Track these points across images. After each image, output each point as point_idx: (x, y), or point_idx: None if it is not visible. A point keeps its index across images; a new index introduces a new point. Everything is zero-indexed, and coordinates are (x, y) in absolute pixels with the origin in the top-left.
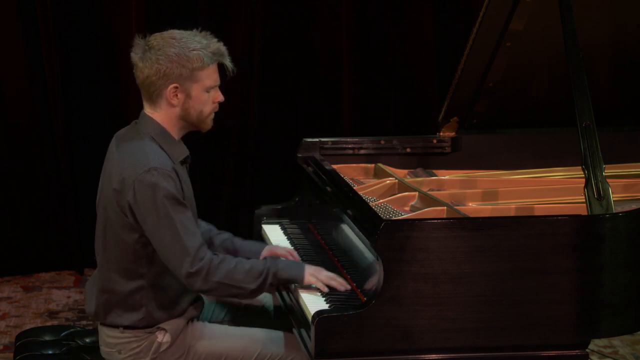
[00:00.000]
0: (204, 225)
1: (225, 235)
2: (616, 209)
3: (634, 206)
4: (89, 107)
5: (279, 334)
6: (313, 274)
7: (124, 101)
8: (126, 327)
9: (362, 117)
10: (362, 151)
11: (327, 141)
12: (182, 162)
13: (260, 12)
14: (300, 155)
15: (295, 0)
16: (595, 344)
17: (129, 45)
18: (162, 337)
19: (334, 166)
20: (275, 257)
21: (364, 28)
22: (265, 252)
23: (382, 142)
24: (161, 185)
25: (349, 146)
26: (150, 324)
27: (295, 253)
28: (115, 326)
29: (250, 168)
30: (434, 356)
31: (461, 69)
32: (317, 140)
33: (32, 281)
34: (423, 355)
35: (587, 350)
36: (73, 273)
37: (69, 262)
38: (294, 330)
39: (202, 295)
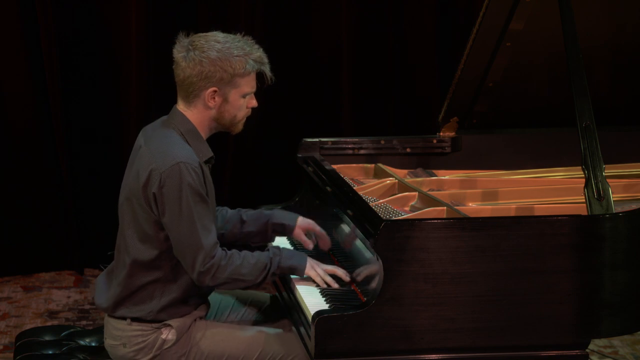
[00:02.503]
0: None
1: (232, 211)
2: (616, 209)
3: (634, 206)
4: (89, 107)
5: (280, 334)
6: (314, 266)
7: (124, 101)
8: (134, 319)
9: (362, 117)
10: (362, 151)
11: (327, 141)
12: (206, 162)
13: (260, 12)
14: (300, 155)
15: (295, 0)
16: (595, 344)
17: (129, 45)
18: (167, 334)
19: (334, 166)
20: (278, 247)
21: (364, 28)
22: (301, 222)
23: (382, 142)
24: (187, 180)
25: (349, 146)
26: (157, 319)
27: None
28: (123, 318)
29: (250, 168)
30: (434, 356)
31: (461, 69)
32: (317, 140)
33: (32, 281)
34: (423, 355)
35: (587, 350)
36: (73, 273)
37: (69, 262)
38: (294, 330)
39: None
